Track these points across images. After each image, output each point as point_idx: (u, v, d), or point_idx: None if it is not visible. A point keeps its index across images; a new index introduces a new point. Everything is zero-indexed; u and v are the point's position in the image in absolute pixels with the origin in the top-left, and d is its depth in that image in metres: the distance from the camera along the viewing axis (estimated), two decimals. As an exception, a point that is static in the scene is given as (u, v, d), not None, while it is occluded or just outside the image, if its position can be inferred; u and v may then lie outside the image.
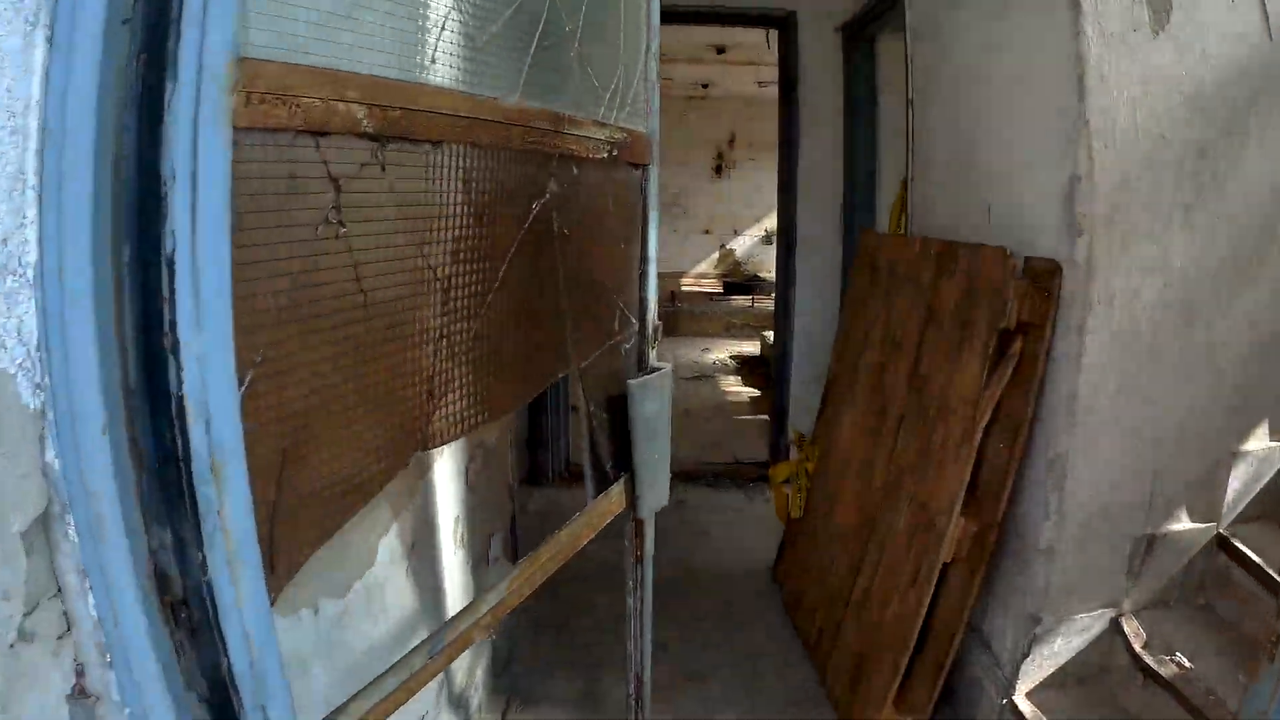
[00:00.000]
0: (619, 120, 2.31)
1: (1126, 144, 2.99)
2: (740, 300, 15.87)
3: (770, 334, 11.70)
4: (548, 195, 2.01)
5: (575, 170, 2.13)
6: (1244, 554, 3.32)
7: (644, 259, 2.60)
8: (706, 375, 11.58)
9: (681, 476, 6.97)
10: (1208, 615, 3.46)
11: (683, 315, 14.65)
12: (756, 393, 10.45)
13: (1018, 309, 3.26)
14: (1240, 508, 3.51)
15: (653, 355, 2.62)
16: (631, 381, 2.41)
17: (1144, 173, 3.03)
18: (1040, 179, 3.29)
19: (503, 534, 4.27)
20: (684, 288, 19.43)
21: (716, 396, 10.45)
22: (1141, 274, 3.08)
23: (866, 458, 4.27)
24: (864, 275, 4.88)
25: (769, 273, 20.53)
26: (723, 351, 13.29)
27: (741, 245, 21.17)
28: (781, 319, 7.37)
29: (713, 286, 19.70)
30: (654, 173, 2.55)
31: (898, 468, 3.90)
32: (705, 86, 19.00)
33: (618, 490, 2.50)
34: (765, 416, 8.35)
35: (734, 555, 5.91)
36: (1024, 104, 3.46)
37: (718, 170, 21.03)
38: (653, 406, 2.49)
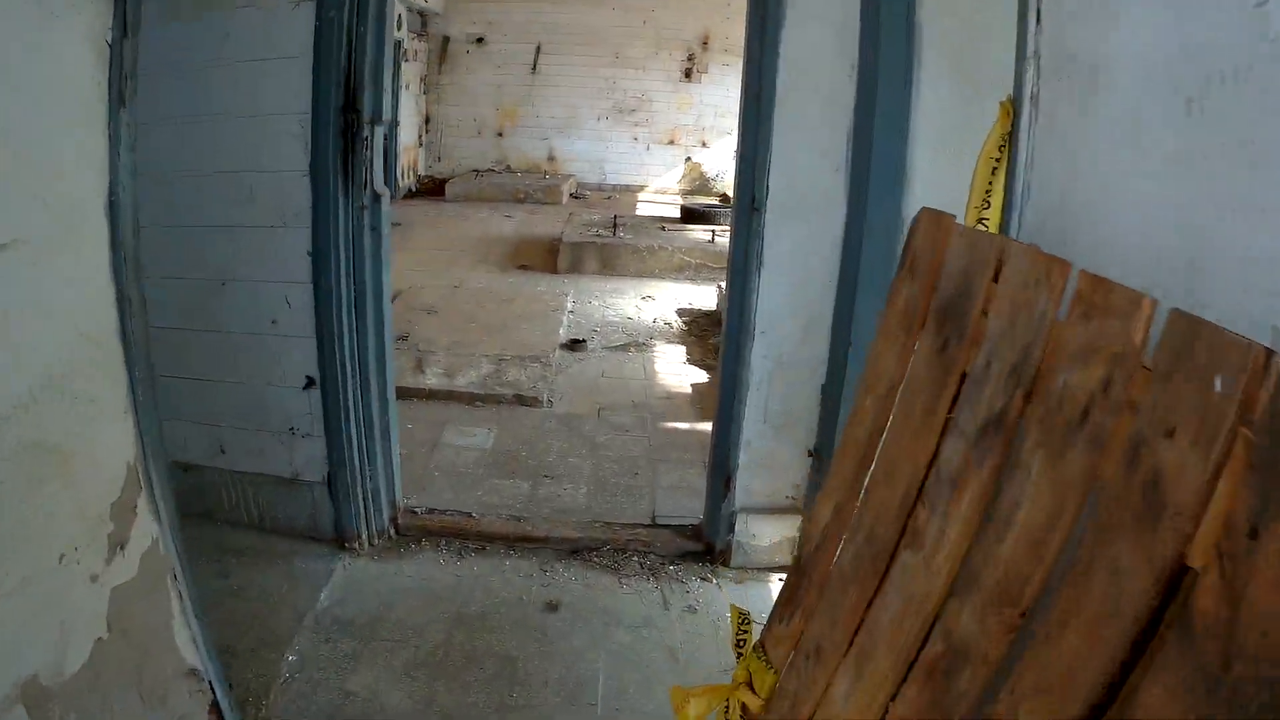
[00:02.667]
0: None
1: None
2: (697, 232, 12.83)
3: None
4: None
5: None
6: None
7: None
8: (639, 344, 8.66)
9: (562, 550, 4.84)
10: None
11: (624, 250, 11.66)
12: (704, 378, 7.62)
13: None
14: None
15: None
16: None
17: None
18: None
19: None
20: (639, 206, 17.00)
21: (645, 385, 7.60)
22: None
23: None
24: (913, 299, 2.15)
25: None
26: (669, 301, 10.45)
27: (711, 159, 19.14)
28: (734, 329, 4.58)
29: (674, 199, 17.94)
30: None
31: None
32: (677, -23, 16.90)
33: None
34: (709, 426, 5.69)
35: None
36: None
37: (687, 74, 19.52)
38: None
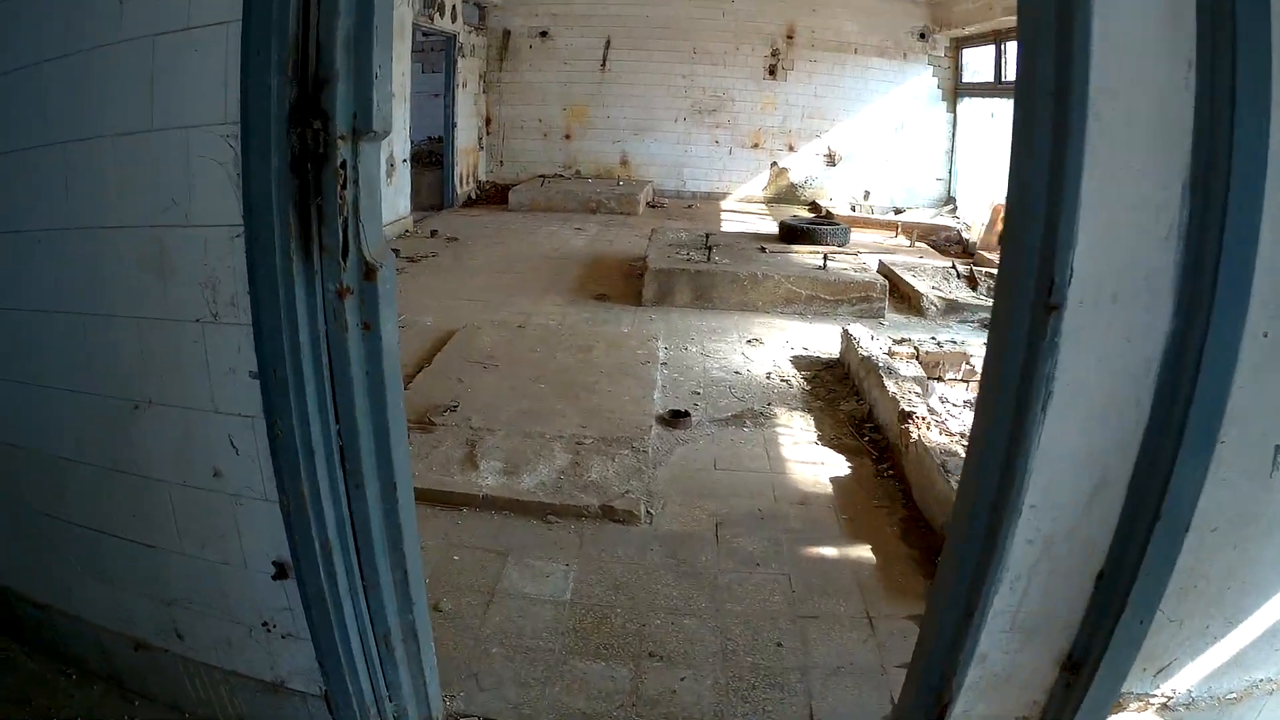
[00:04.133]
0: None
1: None
2: (804, 255, 10.84)
3: (856, 329, 7.65)
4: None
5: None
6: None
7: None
8: (755, 413, 6.71)
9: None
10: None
11: (721, 279, 9.75)
12: (843, 468, 5.77)
13: None
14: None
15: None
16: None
17: None
18: None
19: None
20: (724, 216, 15.52)
21: (772, 482, 5.66)
22: None
23: None
24: None
25: (830, 201, 16.78)
26: (779, 344, 8.54)
27: (797, 165, 17.95)
28: (982, 499, 2.60)
29: (759, 209, 16.77)
30: None
31: None
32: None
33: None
34: (868, 553, 4.67)
35: None
36: None
37: (771, 72, 18.02)
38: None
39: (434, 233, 13.89)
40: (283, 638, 3.16)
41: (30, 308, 3.29)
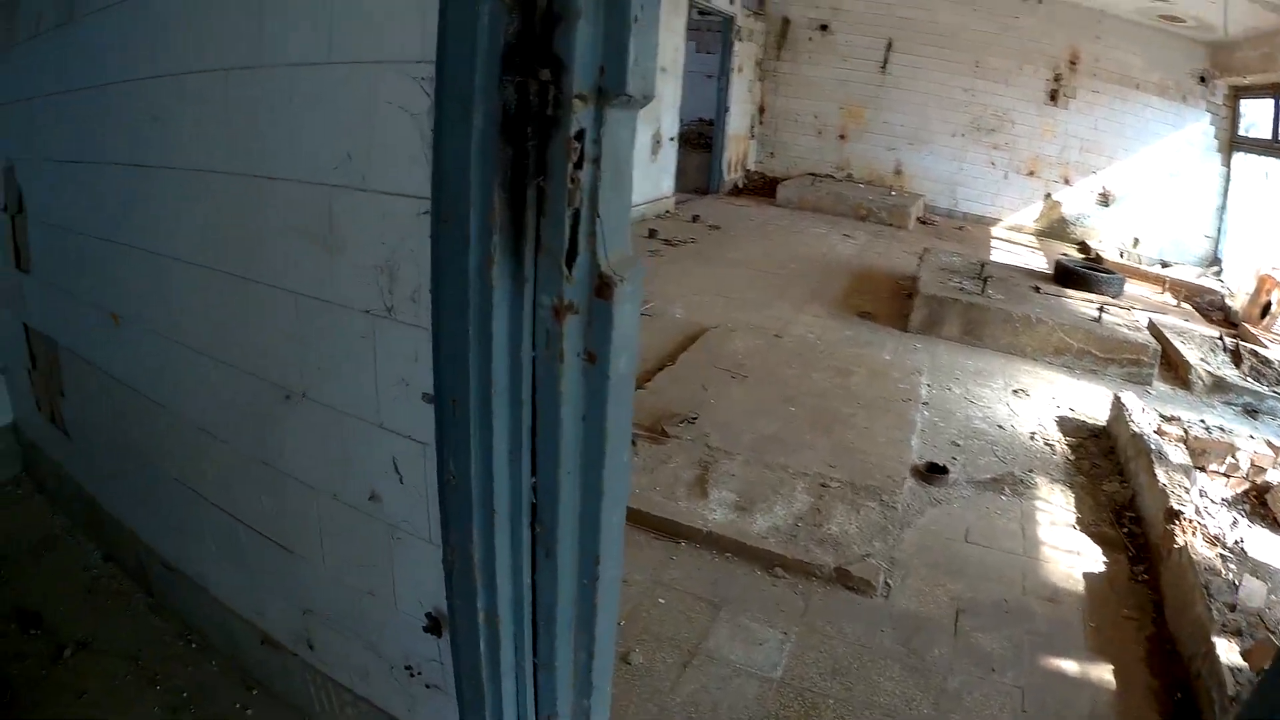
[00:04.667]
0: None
1: None
2: (1078, 302, 9.69)
3: (1129, 398, 6.75)
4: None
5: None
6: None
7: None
8: (1014, 480, 5.72)
9: None
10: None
11: (991, 316, 8.78)
12: (1097, 563, 4.83)
13: None
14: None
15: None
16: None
17: None
18: None
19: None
20: (993, 244, 14.72)
21: (1023, 568, 4.74)
22: None
23: None
24: None
25: (1099, 243, 15.63)
26: (1045, 400, 7.51)
27: (1070, 199, 16.88)
28: None
29: (1028, 243, 15.78)
30: None
31: None
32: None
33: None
34: (1109, 675, 3.98)
35: None
36: None
37: (1053, 97, 16.64)
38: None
39: (696, 218, 13.34)
40: (426, 687, 2.64)
41: (174, 255, 2.84)
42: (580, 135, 1.68)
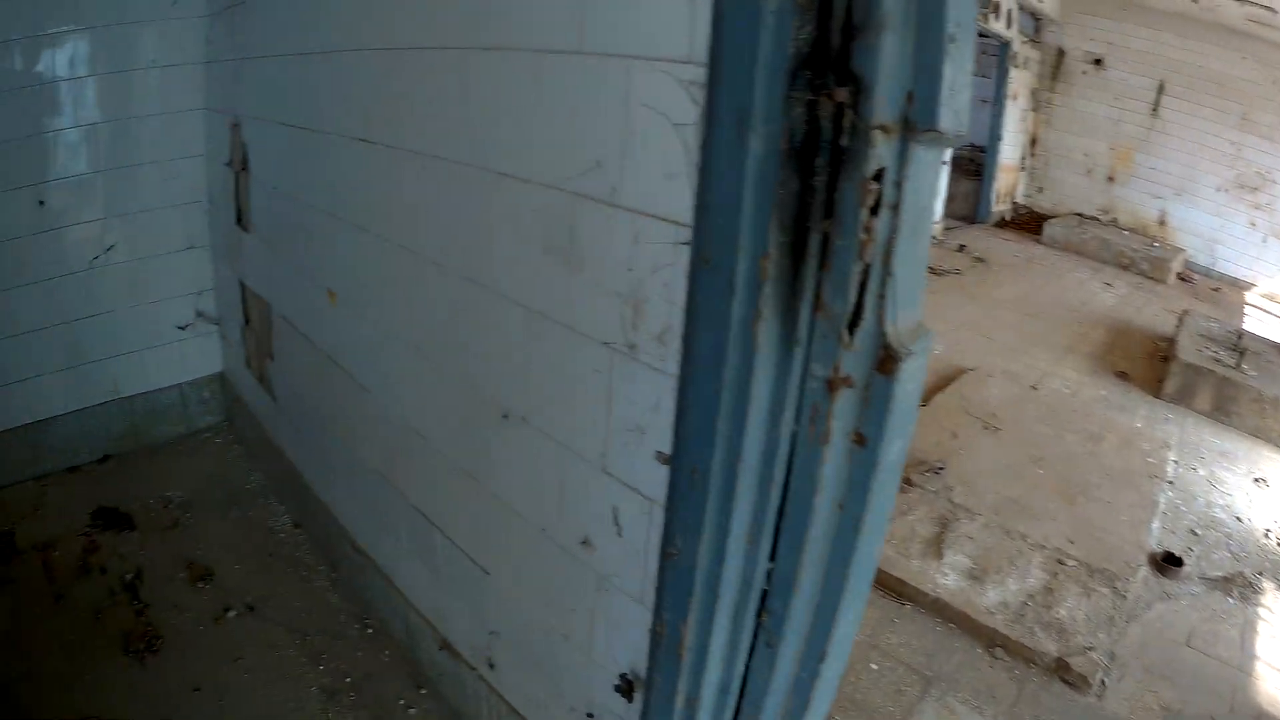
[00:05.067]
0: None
1: None
2: (1345, 382, 8.96)
3: None
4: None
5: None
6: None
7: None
8: (1243, 582, 5.05)
9: None
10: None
11: (1244, 393, 8.11)
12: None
13: None
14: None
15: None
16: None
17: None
18: None
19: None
20: (1247, 310, 13.68)
21: (1235, 684, 4.18)
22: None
23: None
24: None
25: None
26: (1292, 491, 6.84)
27: None
28: None
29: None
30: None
31: None
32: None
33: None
34: None
35: None
36: None
37: None
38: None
39: (961, 248, 12.91)
40: (608, 742, 2.39)
41: (397, 240, 2.71)
42: (879, 175, 1.38)
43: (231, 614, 3.59)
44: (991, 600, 4.24)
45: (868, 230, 1.40)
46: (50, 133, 4.07)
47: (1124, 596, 4.51)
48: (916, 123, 1.36)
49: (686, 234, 1.60)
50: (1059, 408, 7.24)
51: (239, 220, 4.14)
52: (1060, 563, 4.66)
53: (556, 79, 1.90)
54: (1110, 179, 16.52)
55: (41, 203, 4.12)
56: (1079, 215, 16.20)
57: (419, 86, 2.44)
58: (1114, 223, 16.43)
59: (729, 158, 1.46)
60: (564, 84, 1.88)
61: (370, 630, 3.55)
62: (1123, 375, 8.77)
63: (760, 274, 1.45)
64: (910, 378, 1.47)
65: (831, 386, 1.47)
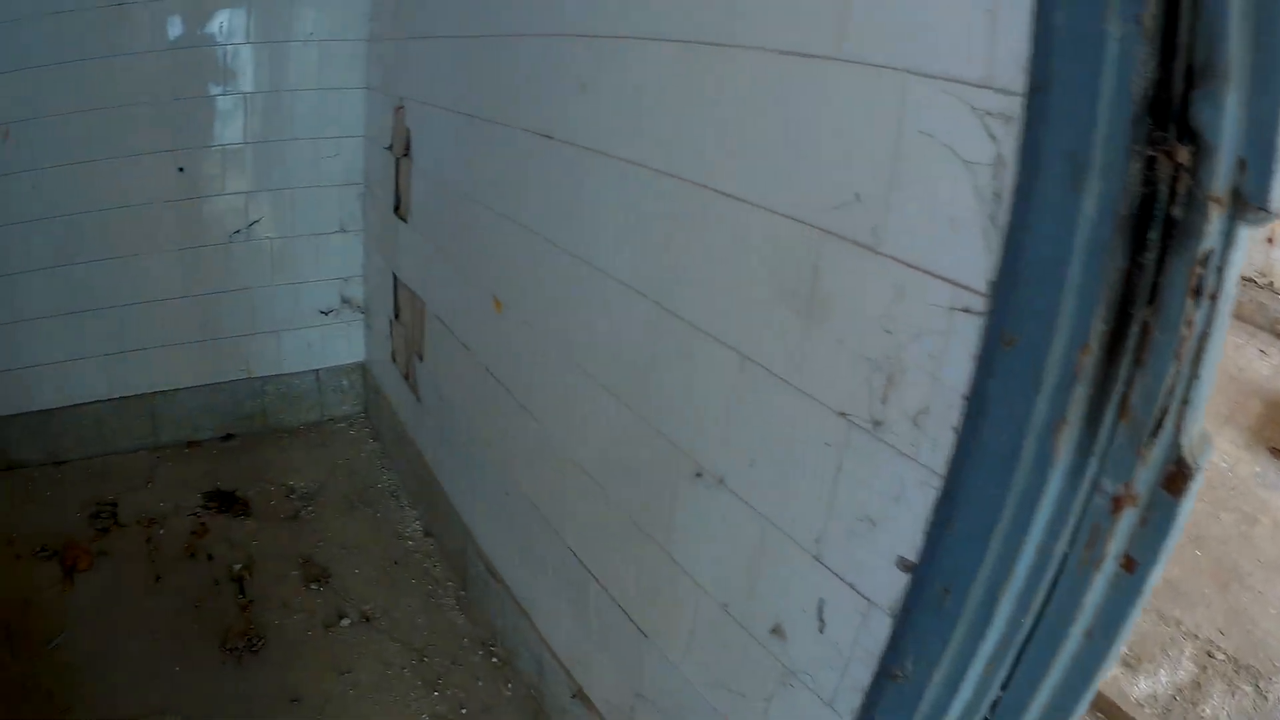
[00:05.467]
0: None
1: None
2: None
3: None
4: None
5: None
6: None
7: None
8: None
9: None
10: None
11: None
12: None
13: None
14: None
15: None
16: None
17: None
18: None
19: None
20: None
21: None
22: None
23: None
24: None
25: None
26: None
27: None
28: None
29: None
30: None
31: None
32: None
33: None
34: None
35: None
36: None
37: None
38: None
39: None
40: None
41: (579, 253, 2.49)
42: (1206, 258, 1.13)
43: (345, 622, 3.44)
44: (1142, 692, 3.96)
45: (1187, 326, 1.14)
46: (194, 98, 4.00)
47: (1265, 698, 4.21)
48: (1247, 197, 1.09)
49: (972, 301, 1.31)
50: (1215, 485, 6.79)
51: (397, 209, 4.00)
52: (1210, 655, 4.36)
53: (804, 89, 1.61)
54: (1269, 240, 15.78)
55: (181, 169, 4.04)
56: (1242, 278, 15.47)
57: (623, 81, 2.18)
58: (1270, 286, 15.69)
59: (1054, 215, 1.17)
60: (815, 96, 1.59)
61: (495, 660, 3.35)
62: (1276, 452, 8.33)
63: (1075, 368, 1.18)
64: (1191, 496, 1.21)
65: (1117, 505, 1.21)
